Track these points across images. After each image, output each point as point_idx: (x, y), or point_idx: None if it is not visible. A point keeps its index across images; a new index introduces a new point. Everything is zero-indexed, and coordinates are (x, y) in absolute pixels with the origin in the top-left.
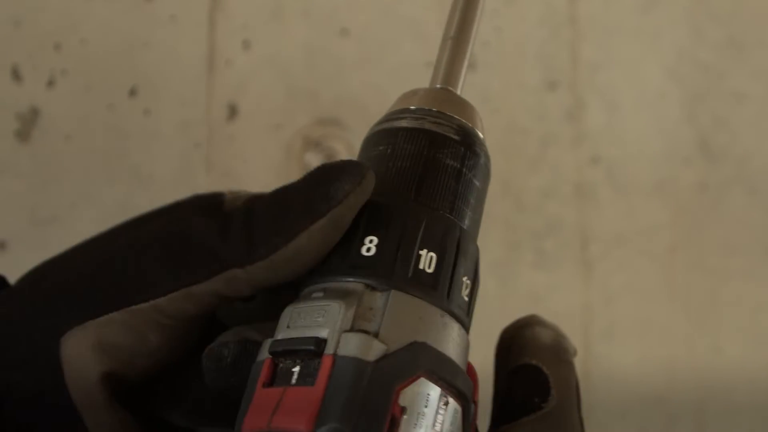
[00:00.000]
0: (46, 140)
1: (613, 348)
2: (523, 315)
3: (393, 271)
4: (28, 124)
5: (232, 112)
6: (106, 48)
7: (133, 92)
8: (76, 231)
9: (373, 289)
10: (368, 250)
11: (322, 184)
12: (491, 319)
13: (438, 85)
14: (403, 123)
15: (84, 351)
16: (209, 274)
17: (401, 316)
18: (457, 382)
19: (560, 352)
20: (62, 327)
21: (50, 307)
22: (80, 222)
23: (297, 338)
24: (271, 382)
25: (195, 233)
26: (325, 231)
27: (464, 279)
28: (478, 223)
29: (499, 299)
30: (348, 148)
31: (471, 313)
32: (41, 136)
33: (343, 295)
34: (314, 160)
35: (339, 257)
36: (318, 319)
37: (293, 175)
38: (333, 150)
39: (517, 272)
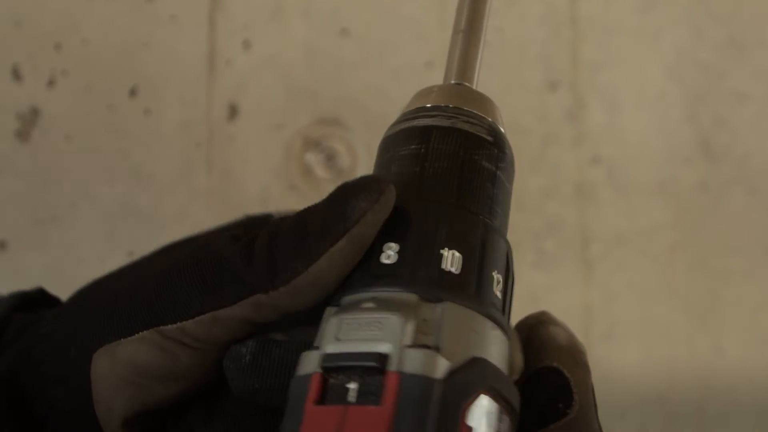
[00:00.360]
0: (46, 140)
1: (614, 348)
2: (528, 313)
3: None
4: (28, 123)
5: (233, 112)
6: (106, 48)
7: (133, 92)
8: (76, 231)
9: (427, 300)
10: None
11: (339, 203)
12: None
13: (453, 81)
14: (435, 121)
15: (114, 369)
16: (235, 299)
17: (458, 329)
18: (511, 397)
19: (576, 353)
20: (95, 344)
21: (86, 324)
22: (80, 222)
23: (355, 353)
24: (322, 400)
25: (224, 256)
26: (344, 252)
27: (511, 290)
28: (507, 225)
29: None
30: (348, 148)
31: (509, 319)
32: (41, 136)
33: (399, 307)
34: (314, 160)
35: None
36: (375, 333)
37: (293, 175)
38: (333, 150)
39: (517, 272)
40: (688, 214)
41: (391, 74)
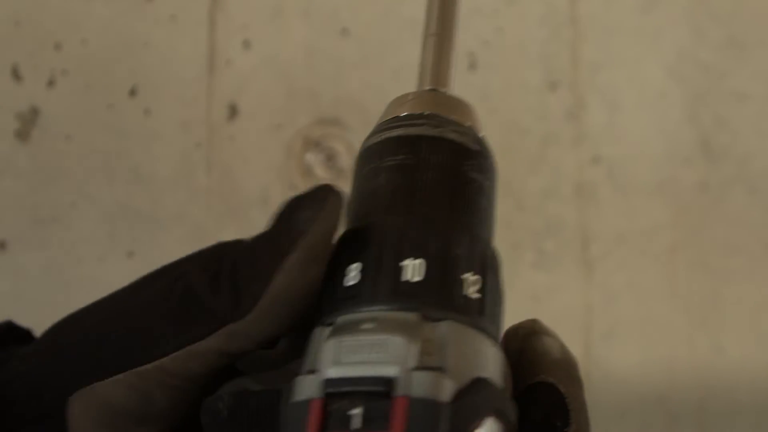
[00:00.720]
0: (46, 140)
1: (614, 348)
2: (528, 314)
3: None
4: (28, 123)
5: (233, 112)
6: (106, 48)
7: (133, 92)
8: (75, 231)
9: (428, 318)
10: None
11: (285, 218)
12: None
13: (428, 87)
14: (422, 130)
15: (89, 413)
16: (208, 332)
17: (462, 349)
18: (512, 417)
19: (570, 367)
20: (70, 387)
21: (61, 366)
22: (80, 222)
23: (360, 377)
24: (324, 427)
25: (194, 290)
26: (301, 265)
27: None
28: (494, 233)
29: None
30: (348, 148)
31: (498, 318)
32: (41, 136)
33: (401, 327)
34: (315, 160)
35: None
36: (379, 355)
37: (294, 176)
38: (333, 150)
39: (517, 272)
40: (688, 214)
41: (392, 74)
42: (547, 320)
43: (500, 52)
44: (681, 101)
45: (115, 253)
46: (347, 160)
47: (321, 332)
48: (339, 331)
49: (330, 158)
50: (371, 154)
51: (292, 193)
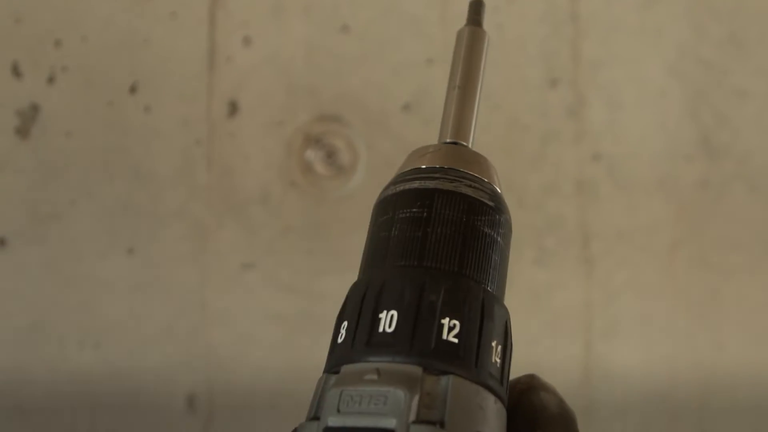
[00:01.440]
0: (46, 137)
1: (615, 346)
2: (528, 311)
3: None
4: (28, 120)
5: (233, 108)
6: (106, 44)
7: (133, 89)
8: (76, 228)
9: (431, 372)
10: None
11: None
12: None
13: (449, 139)
14: (437, 184)
15: None
16: None
17: (463, 404)
18: None
19: (569, 422)
20: None
21: None
22: (80, 219)
23: (359, 428)
24: None
25: None
26: None
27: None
28: (505, 290)
29: None
30: (348, 144)
31: (507, 385)
32: (41, 133)
33: (403, 380)
34: (315, 157)
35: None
36: (379, 407)
37: (294, 172)
38: (334, 147)
39: (518, 270)
40: (688, 211)
41: (392, 71)
42: (548, 317)
43: (501, 49)
44: (681, 98)
45: (115, 250)
46: (348, 156)
47: (327, 379)
48: (343, 379)
49: (330, 155)
50: (386, 206)
51: (292, 191)
